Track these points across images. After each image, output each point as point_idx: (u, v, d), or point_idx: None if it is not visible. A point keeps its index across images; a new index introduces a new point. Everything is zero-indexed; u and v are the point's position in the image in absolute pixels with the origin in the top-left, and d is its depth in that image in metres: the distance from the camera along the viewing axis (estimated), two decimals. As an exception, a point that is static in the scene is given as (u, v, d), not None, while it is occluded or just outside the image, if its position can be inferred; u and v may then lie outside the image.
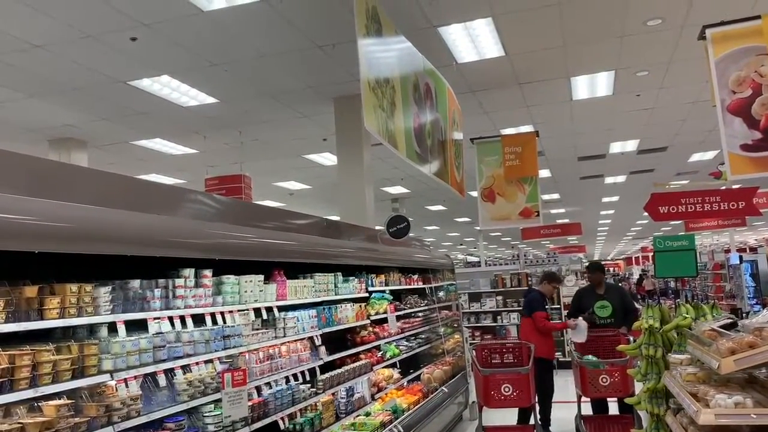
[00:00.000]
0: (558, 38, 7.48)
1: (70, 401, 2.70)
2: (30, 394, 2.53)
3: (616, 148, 13.69)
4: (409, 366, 7.29)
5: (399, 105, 5.14)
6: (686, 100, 10.22)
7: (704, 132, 12.26)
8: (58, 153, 10.46)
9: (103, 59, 7.38)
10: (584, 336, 6.90)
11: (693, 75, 8.87)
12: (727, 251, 17.88)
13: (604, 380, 6.28)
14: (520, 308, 9.46)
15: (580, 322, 6.97)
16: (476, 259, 25.83)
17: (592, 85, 9.29)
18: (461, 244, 41.34)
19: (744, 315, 9.80)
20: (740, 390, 2.94)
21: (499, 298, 13.60)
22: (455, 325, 9.75)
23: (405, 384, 7.04)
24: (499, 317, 13.45)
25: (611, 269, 52.01)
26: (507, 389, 6.11)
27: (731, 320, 3.38)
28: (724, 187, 9.92)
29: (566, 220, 25.59)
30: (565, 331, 7.26)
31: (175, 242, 3.37)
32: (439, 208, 21.85)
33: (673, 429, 3.56)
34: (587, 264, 7.87)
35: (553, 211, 24.40)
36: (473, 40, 7.32)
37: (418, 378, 7.47)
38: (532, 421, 6.80)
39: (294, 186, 16.36)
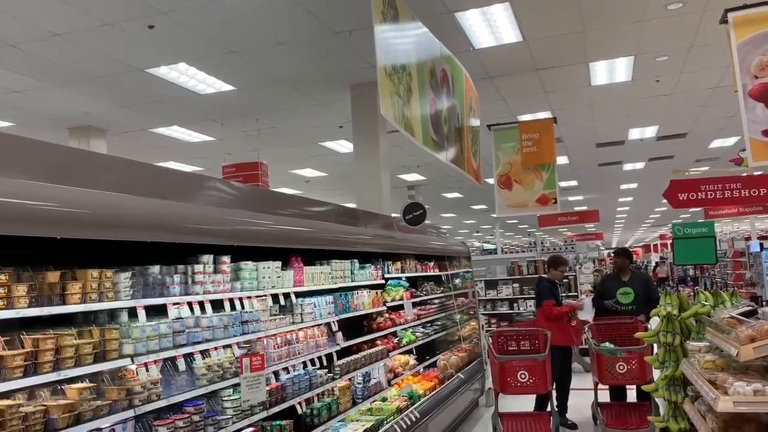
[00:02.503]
0: (577, 23, 7.39)
1: (92, 384, 2.75)
2: (53, 377, 2.57)
3: (635, 134, 13.55)
4: (425, 352, 7.31)
5: (415, 91, 5.12)
6: (707, 85, 10.07)
7: (725, 118, 12.07)
8: (78, 141, 10.57)
9: (122, 47, 7.43)
10: (591, 314, 6.89)
11: (714, 60, 8.74)
12: (748, 239, 17.64)
13: (621, 367, 6.26)
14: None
15: (586, 300, 6.95)
16: (492, 247, 25.78)
17: (611, 71, 9.18)
18: (477, 232, 41.23)
19: (764, 303, 9.74)
20: (759, 378, 2.92)
21: (516, 285, 13.54)
22: (471, 312, 9.75)
23: (421, 370, 7.07)
24: (515, 304, 13.40)
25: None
26: (523, 376, 6.11)
27: (751, 308, 3.35)
28: (744, 174, 9.78)
29: (584, 208, 25.44)
30: (574, 313, 7.22)
31: (193, 228, 3.40)
32: (456, 195, 21.80)
33: (691, 416, 3.55)
34: (615, 250, 7.82)
35: (571, 199, 24.24)
36: (491, 26, 7.26)
37: (434, 364, 7.49)
38: (549, 408, 6.81)
39: (310, 173, 16.41)
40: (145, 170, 3.56)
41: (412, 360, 6.81)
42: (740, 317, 3.14)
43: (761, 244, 15.61)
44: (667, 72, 9.32)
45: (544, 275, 7.76)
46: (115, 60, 7.84)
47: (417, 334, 7.05)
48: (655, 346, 4.70)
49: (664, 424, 4.23)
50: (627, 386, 7.07)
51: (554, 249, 16.38)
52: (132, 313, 3.16)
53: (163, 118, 10.61)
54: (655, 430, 4.80)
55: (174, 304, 3.37)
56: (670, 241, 6.38)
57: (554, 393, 7.02)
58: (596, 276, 12.24)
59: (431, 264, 8.09)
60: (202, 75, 8.51)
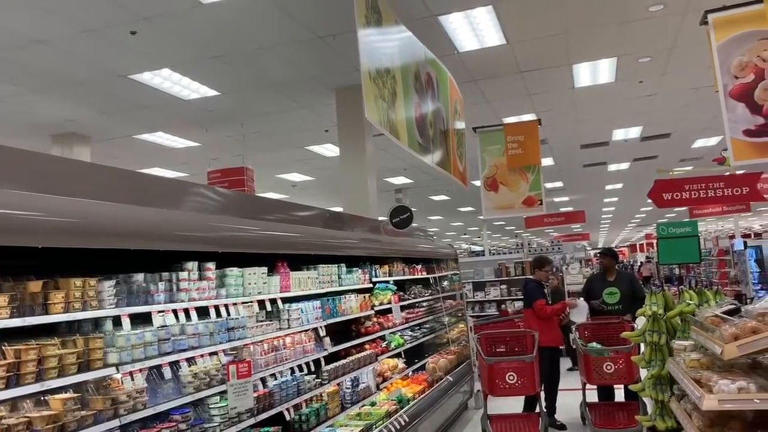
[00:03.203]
0: (559, 25, 7.44)
1: (76, 395, 2.71)
2: (36, 388, 2.54)
3: (619, 135, 13.65)
4: (414, 356, 7.31)
5: (400, 95, 5.13)
6: (689, 86, 10.17)
7: (707, 118, 12.20)
8: (61, 148, 10.48)
9: (104, 53, 7.38)
10: (584, 316, 6.92)
11: (695, 61, 8.83)
12: (732, 237, 17.83)
13: (609, 367, 6.29)
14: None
15: (580, 302, 6.98)
16: (480, 249, 25.83)
17: (595, 73, 9.25)
18: (465, 234, 41.34)
19: (748, 301, 9.84)
20: (744, 375, 2.95)
21: (504, 287, 13.56)
22: (460, 315, 9.76)
23: (410, 374, 7.07)
24: (503, 306, 13.42)
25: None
26: (511, 377, 6.13)
27: (734, 306, 3.38)
28: (728, 173, 9.88)
29: (570, 208, 25.56)
30: (566, 313, 7.25)
31: (177, 236, 3.38)
32: (443, 197, 21.85)
33: (677, 415, 3.58)
34: (601, 251, 7.88)
35: (557, 200, 24.37)
36: (474, 29, 7.29)
37: (423, 367, 7.49)
38: (537, 409, 6.83)
39: (297, 178, 16.37)
40: (127, 177, 3.53)
41: (401, 363, 6.80)
42: (724, 316, 3.17)
43: (745, 243, 15.78)
44: (650, 73, 9.41)
45: (530, 276, 7.79)
46: (98, 66, 7.78)
47: (405, 337, 7.04)
48: (642, 345, 4.73)
49: (651, 423, 4.26)
50: (615, 386, 7.11)
51: (541, 250, 16.44)
52: (116, 321, 3.13)
53: (148, 124, 10.54)
54: (643, 430, 4.83)
55: (159, 311, 3.34)
56: (656, 240, 6.42)
57: (543, 394, 7.05)
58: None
59: (419, 267, 8.09)
60: (186, 80, 8.47)
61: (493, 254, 17.75)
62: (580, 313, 6.94)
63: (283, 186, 17.37)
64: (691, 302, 4.01)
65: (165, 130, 11.00)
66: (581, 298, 7.03)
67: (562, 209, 25.44)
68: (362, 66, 4.22)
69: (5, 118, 9.63)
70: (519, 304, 12.95)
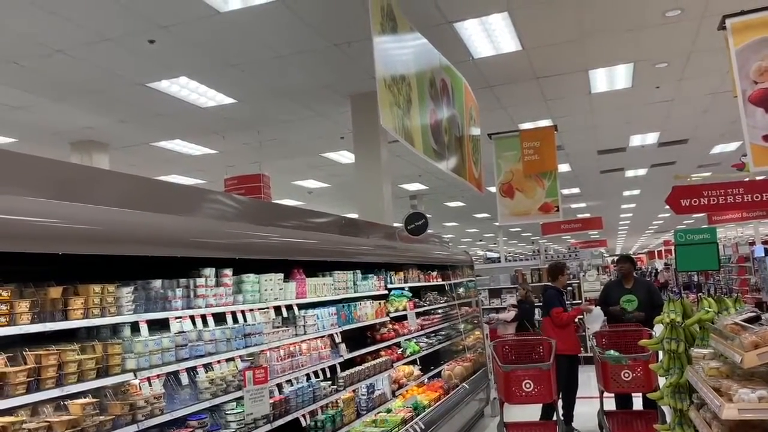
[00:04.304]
0: (575, 31, 7.42)
1: (95, 400, 2.74)
2: (56, 393, 2.58)
3: (636, 140, 13.55)
4: (429, 363, 7.29)
5: (415, 102, 5.14)
6: (707, 91, 10.08)
7: (726, 123, 12.08)
8: (80, 155, 10.61)
9: (122, 62, 7.47)
10: (599, 323, 6.86)
11: (713, 66, 8.75)
12: (752, 244, 17.59)
13: (627, 375, 6.22)
14: (540, 305, 9.46)
15: (595, 309, 6.92)
16: (496, 255, 25.71)
17: (611, 78, 9.20)
18: (480, 240, 41.18)
19: (769, 308, 9.66)
20: (764, 384, 2.90)
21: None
22: (475, 322, 9.73)
23: (426, 381, 7.05)
24: (534, 310, 13.29)
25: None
26: (528, 385, 6.09)
27: (755, 314, 3.34)
28: (747, 179, 9.77)
29: (587, 215, 25.38)
30: (582, 318, 7.20)
31: (194, 242, 3.41)
32: (458, 204, 21.80)
33: (696, 424, 3.53)
34: (618, 257, 7.84)
35: (574, 206, 24.22)
36: (489, 35, 7.29)
37: (438, 375, 7.47)
38: (555, 418, 6.77)
39: (312, 184, 16.43)
40: (145, 184, 3.58)
41: (416, 370, 6.79)
42: (744, 323, 3.13)
43: (766, 249, 15.56)
44: (667, 78, 9.34)
45: (549, 284, 7.75)
46: (116, 74, 7.88)
47: (421, 344, 7.03)
48: (660, 353, 4.68)
49: (670, 432, 4.21)
50: (633, 394, 7.03)
51: (558, 256, 16.38)
52: (134, 327, 3.17)
53: (165, 132, 10.65)
54: (662, 438, 4.76)
55: (176, 317, 3.37)
56: (674, 247, 6.34)
57: (560, 402, 6.99)
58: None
59: (434, 273, 8.08)
60: (203, 88, 8.55)
61: (509, 261, 17.71)
62: (595, 320, 6.89)
63: (299, 193, 17.44)
64: (710, 310, 3.96)
65: (182, 138, 11.10)
66: (596, 306, 6.97)
67: (579, 215, 25.26)
68: (377, 73, 4.24)
69: (26, 126, 9.77)
70: (536, 312, 12.94)
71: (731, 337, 3.11)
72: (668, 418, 4.86)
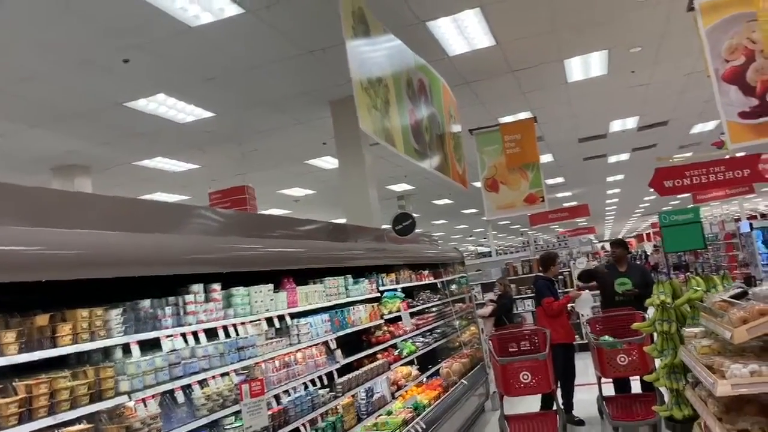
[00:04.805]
0: (547, 22, 7.46)
1: (90, 426, 2.72)
2: (50, 422, 2.54)
3: (616, 126, 13.64)
4: (427, 362, 7.29)
5: (393, 103, 5.14)
6: (682, 72, 10.17)
7: (703, 103, 12.18)
8: (62, 180, 10.52)
9: (98, 83, 7.43)
10: (588, 307, 6.89)
11: (686, 47, 8.83)
12: (738, 220, 17.75)
13: (622, 359, 6.26)
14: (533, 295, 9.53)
15: (584, 293, 6.96)
16: (487, 249, 25.78)
17: (586, 66, 9.26)
18: (470, 236, 41.29)
19: (758, 283, 9.79)
20: (756, 358, 2.93)
21: (512, 286, 13.54)
22: (470, 317, 9.75)
23: (424, 380, 7.05)
24: (513, 305, 13.35)
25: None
26: (525, 377, 6.11)
27: (742, 289, 3.37)
28: (727, 156, 9.87)
29: (573, 203, 25.50)
30: (572, 306, 7.23)
31: (178, 260, 3.38)
32: (446, 201, 21.84)
33: (693, 403, 3.56)
34: (611, 242, 7.91)
35: (559, 195, 24.33)
36: (463, 32, 7.31)
37: (437, 373, 7.47)
38: (555, 407, 6.79)
39: (298, 192, 16.40)
40: (126, 205, 3.55)
41: (414, 370, 6.79)
42: (732, 300, 3.16)
43: (751, 225, 15.71)
44: (642, 62, 9.41)
45: (540, 274, 7.79)
46: (93, 96, 7.83)
47: (417, 344, 7.03)
48: (654, 335, 4.71)
49: (668, 413, 4.24)
50: (630, 378, 7.07)
51: (548, 246, 16.44)
52: (126, 349, 3.14)
53: (146, 150, 10.59)
54: (661, 420, 4.80)
55: (167, 336, 3.35)
56: (660, 229, 6.41)
57: (559, 391, 7.01)
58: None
59: (426, 272, 8.08)
60: (181, 104, 8.51)
61: (500, 254, 17.76)
62: (584, 304, 6.92)
63: (285, 201, 17.40)
64: (698, 288, 4.00)
65: (164, 155, 11.05)
66: (586, 291, 7.01)
67: (566, 204, 25.38)
68: (353, 76, 4.24)
69: (5, 153, 9.69)
70: (529, 303, 12.99)
71: (720, 315, 3.14)
72: (666, 399, 4.89)
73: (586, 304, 6.90)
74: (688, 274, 5.42)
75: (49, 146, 9.58)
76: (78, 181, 10.57)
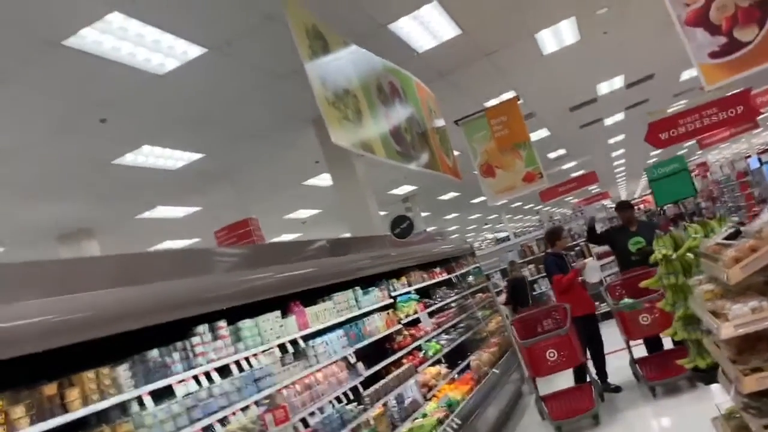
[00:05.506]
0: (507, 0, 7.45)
1: (115, 483, 2.75)
2: (74, 486, 2.58)
3: (603, 89, 13.56)
4: (456, 358, 7.25)
5: (366, 111, 5.16)
6: (654, 23, 10.06)
7: (683, 48, 12.05)
8: (68, 247, 10.65)
9: (80, 147, 7.53)
10: (597, 276, 6.87)
11: (652, -2, 8.77)
12: (747, 158, 17.54)
13: (645, 319, 6.23)
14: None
15: (589, 261, 6.94)
16: (505, 234, 25.68)
17: (558, 36, 9.22)
18: (486, 224, 41.11)
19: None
20: (758, 295, 2.90)
21: (531, 266, 13.50)
22: (493, 306, 9.71)
23: (456, 376, 7.02)
24: (536, 285, 13.31)
25: (641, 206, 51.27)
26: (552, 354, 6.09)
27: (735, 229, 3.34)
28: (717, 98, 9.77)
29: (581, 171, 25.34)
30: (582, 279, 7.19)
31: (179, 304, 3.43)
32: (452, 194, 21.77)
33: (709, 350, 3.53)
34: (615, 205, 7.88)
35: (565, 167, 24.18)
36: (426, 27, 7.33)
37: (468, 367, 7.43)
38: (588, 379, 6.76)
39: (303, 214, 16.45)
40: (121, 261, 3.61)
41: (443, 369, 6.76)
42: (724, 242, 3.14)
43: (760, 159, 15.52)
44: (612, 22, 9.35)
45: (549, 251, 7.76)
46: (78, 161, 7.94)
47: (441, 342, 7.01)
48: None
49: (693, 364, 4.20)
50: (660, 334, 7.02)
51: (565, 219, 16.31)
52: (141, 401, 3.17)
53: (145, 203, 10.71)
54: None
55: (179, 381, 3.37)
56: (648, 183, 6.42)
57: (591, 363, 6.98)
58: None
59: (438, 270, 8.06)
60: (168, 151, 8.59)
61: (518, 237, 17.70)
62: (592, 273, 6.88)
63: (293, 225, 17.47)
64: (696, 236, 3.97)
65: (163, 203, 11.15)
66: (590, 258, 6.98)
67: (573, 175, 25.23)
68: (316, 94, 4.27)
69: (6, 230, 9.81)
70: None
71: (716, 258, 3.12)
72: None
73: (594, 272, 6.86)
74: (683, 223, 5.37)
75: (46, 217, 9.69)
76: (84, 245, 10.69)
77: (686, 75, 14.78)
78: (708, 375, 4.03)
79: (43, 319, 2.64)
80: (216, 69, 6.64)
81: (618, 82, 13.38)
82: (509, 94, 10.91)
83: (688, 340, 4.19)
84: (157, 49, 5.79)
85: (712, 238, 3.62)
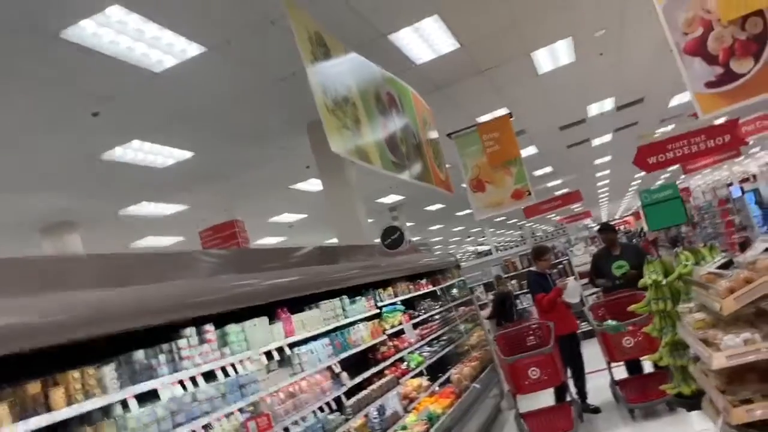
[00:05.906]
0: (507, 17, 7.50)
1: (96, 486, 2.69)
2: (54, 489, 2.53)
3: (594, 110, 13.70)
4: (437, 370, 7.25)
5: (364, 120, 5.16)
6: (649, 48, 10.21)
7: (676, 75, 12.17)
8: (51, 240, 10.50)
9: (70, 140, 7.42)
10: (577, 296, 6.90)
11: (649, 23, 8.84)
12: (729, 185, 17.80)
13: (628, 342, 6.26)
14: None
15: (570, 281, 6.98)
16: (488, 248, 25.76)
17: (554, 56, 9.30)
18: (469, 237, 41.25)
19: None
20: (749, 326, 2.93)
21: (514, 282, 13.53)
22: (475, 320, 9.72)
23: (436, 389, 7.00)
24: (518, 301, 13.33)
25: (622, 227, 51.79)
26: (534, 373, 6.10)
27: (727, 259, 3.38)
28: (707, 126, 9.88)
29: (565, 190, 25.54)
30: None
31: (167, 307, 3.38)
32: (438, 206, 21.83)
33: (696, 378, 3.56)
34: (597, 228, 7.92)
35: (550, 184, 24.36)
36: (426, 40, 7.35)
37: (449, 380, 7.43)
38: (569, 398, 6.78)
39: (290, 218, 16.38)
40: (108, 261, 3.55)
41: (425, 381, 6.75)
42: (718, 271, 3.16)
43: (741, 188, 15.77)
44: (608, 44, 9.46)
45: (531, 268, 7.78)
46: (67, 153, 7.83)
47: (424, 354, 7.00)
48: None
49: (676, 390, 4.23)
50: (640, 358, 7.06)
51: (545, 237, 16.44)
52: (125, 403, 3.12)
53: (131, 198, 10.59)
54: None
55: (165, 384, 3.32)
56: (641, 208, 6.48)
57: (571, 382, 7.00)
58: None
59: (423, 282, 8.06)
60: (158, 148, 8.50)
61: (499, 251, 17.76)
62: (572, 293, 6.90)
63: (279, 229, 17.38)
64: (687, 263, 4.00)
65: (149, 200, 11.02)
66: (571, 277, 7.02)
67: (557, 192, 25.41)
68: (317, 101, 4.26)
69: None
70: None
71: (708, 287, 3.15)
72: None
73: (574, 292, 6.89)
74: (676, 250, 5.42)
75: (31, 209, 9.56)
76: (67, 239, 10.54)
77: (676, 101, 14.99)
78: (691, 402, 4.06)
79: (26, 318, 2.58)
80: (214, 69, 6.59)
81: (609, 104, 13.52)
82: (502, 111, 10.95)
83: (673, 366, 4.22)
84: (155, 46, 5.73)
85: (703, 267, 3.65)
